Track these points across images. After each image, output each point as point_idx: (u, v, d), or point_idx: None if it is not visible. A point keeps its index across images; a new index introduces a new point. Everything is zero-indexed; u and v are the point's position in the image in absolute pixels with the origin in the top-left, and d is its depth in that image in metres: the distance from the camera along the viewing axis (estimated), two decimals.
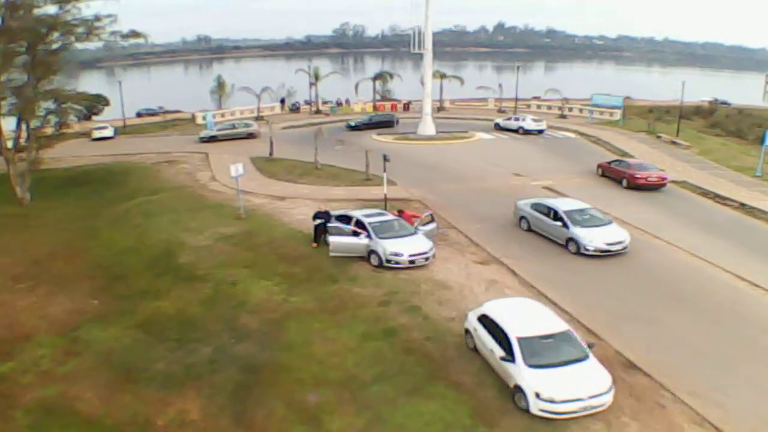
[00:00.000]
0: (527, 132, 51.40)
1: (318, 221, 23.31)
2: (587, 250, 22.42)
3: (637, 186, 33.08)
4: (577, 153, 43.24)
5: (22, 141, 33.79)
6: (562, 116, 62.36)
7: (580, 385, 13.03)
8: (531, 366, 13.28)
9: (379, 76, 74.60)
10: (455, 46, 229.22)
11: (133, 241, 25.36)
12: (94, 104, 70.84)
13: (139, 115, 72.73)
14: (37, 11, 32.28)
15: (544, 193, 31.67)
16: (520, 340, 13.67)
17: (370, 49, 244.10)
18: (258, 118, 60.73)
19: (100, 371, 15.78)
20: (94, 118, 68.69)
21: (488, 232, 25.25)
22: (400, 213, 24.21)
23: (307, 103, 68.92)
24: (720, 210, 30.23)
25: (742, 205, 30.41)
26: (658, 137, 50.77)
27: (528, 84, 70.51)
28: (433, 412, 13.44)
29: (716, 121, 69.36)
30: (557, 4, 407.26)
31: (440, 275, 20.67)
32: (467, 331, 15.79)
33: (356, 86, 71.51)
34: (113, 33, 34.18)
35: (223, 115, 62.51)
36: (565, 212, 23.67)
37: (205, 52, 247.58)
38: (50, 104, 33.48)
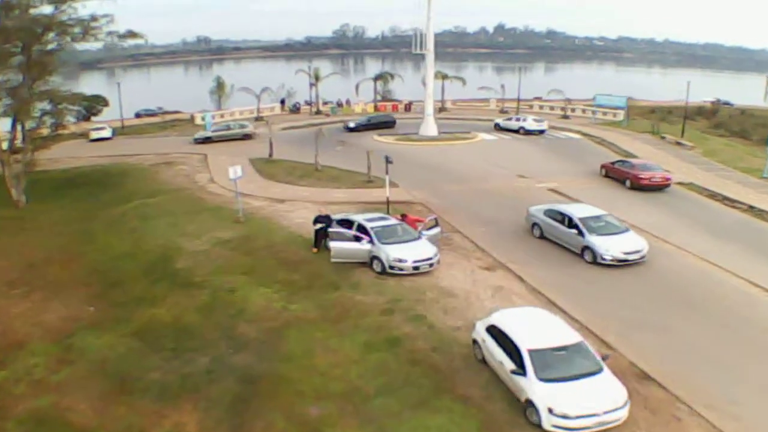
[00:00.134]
0: (528, 132, 50.94)
1: (319, 226, 22.65)
2: (604, 259, 21.46)
3: (640, 186, 32.67)
4: (581, 154, 42.67)
5: (17, 142, 33.27)
6: (565, 117, 61.85)
7: (594, 399, 12.44)
8: (543, 380, 12.68)
9: (380, 77, 74.10)
10: (455, 47, 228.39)
11: (130, 246, 24.78)
12: (93, 105, 70.51)
13: (137, 115, 72.16)
14: (32, 11, 31.66)
15: (550, 195, 31.10)
16: (531, 352, 13.05)
17: (371, 50, 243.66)
18: (258, 119, 60.20)
19: (94, 381, 15.31)
20: (93, 118, 68.26)
21: (493, 237, 24.64)
22: (404, 217, 23.60)
23: (308, 103, 68.34)
24: (728, 213, 29.69)
25: (751, 207, 29.89)
26: (663, 138, 50.24)
27: (529, 85, 69.95)
28: (440, 427, 12.88)
29: (720, 121, 68.83)
30: (557, 5, 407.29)
31: (445, 282, 20.05)
32: (475, 342, 15.17)
33: (357, 87, 70.97)
34: (110, 33, 33.59)
35: (222, 116, 61.92)
36: (581, 219, 22.68)
37: (205, 53, 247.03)
38: (46, 105, 32.91)
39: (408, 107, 67.52)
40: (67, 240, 26.41)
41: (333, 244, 21.36)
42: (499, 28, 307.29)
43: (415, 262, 20.35)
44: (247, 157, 40.11)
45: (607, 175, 35.48)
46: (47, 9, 31.53)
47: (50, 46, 32.50)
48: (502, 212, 27.78)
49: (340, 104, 69.27)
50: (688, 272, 21.49)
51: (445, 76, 66.58)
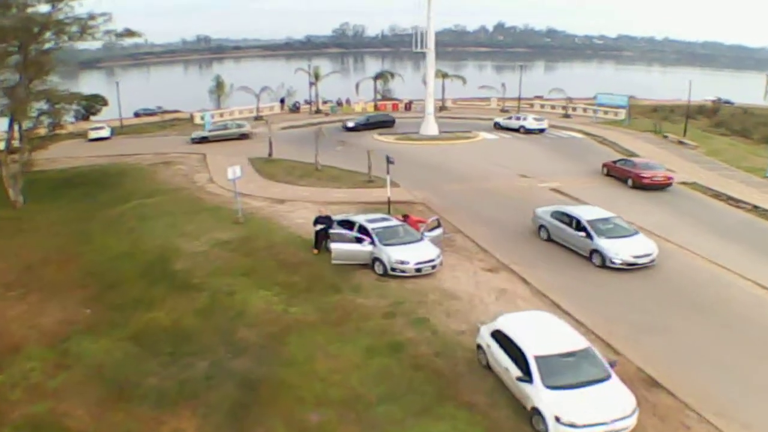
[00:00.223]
0: (528, 131, 50.66)
1: (319, 227, 22.30)
2: (613, 263, 20.92)
3: (642, 185, 32.45)
4: (583, 153, 42.34)
5: (14, 142, 32.95)
6: (566, 116, 61.50)
7: (602, 407, 12.09)
8: (550, 387, 12.33)
9: (380, 76, 73.68)
10: (455, 45, 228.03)
11: (128, 247, 24.48)
12: (92, 104, 70.27)
13: (137, 115, 71.90)
14: (29, 10, 31.33)
15: (553, 195, 30.81)
16: (537, 358, 12.71)
17: (370, 49, 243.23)
18: (257, 118, 59.85)
19: (91, 386, 15.02)
20: (92, 118, 68.01)
21: (496, 237, 24.28)
22: (405, 218, 23.26)
23: (307, 102, 67.97)
24: (733, 213, 29.37)
25: (755, 207, 29.58)
26: (665, 137, 49.94)
27: (529, 83, 69.54)
28: None
29: (721, 120, 68.58)
30: (557, 4, 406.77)
31: (448, 284, 19.69)
32: (479, 347, 14.82)
33: (357, 86, 70.60)
34: (108, 32, 33.33)
35: (221, 115, 61.57)
36: (589, 222, 22.10)
37: (205, 52, 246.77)
38: (43, 105, 32.61)
39: (408, 106, 67.15)
40: (65, 241, 26.15)
41: (334, 246, 20.99)
42: (499, 27, 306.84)
43: (417, 264, 19.99)
44: (247, 157, 39.78)
45: (608, 174, 35.27)
46: (44, 7, 31.30)
47: (47, 45, 32.20)
48: (504, 212, 27.44)
49: (340, 103, 68.91)
50: (696, 274, 21.14)
51: (445, 75, 66.19)
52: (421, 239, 21.20)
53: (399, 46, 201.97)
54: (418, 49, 48.46)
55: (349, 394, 14.04)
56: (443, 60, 52.09)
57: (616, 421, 11.97)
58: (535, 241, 24.12)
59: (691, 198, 31.59)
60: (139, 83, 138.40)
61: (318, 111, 65.24)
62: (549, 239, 23.79)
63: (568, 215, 23.14)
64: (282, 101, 67.13)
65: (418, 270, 20.01)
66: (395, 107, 67.32)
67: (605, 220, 22.58)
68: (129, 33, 35.10)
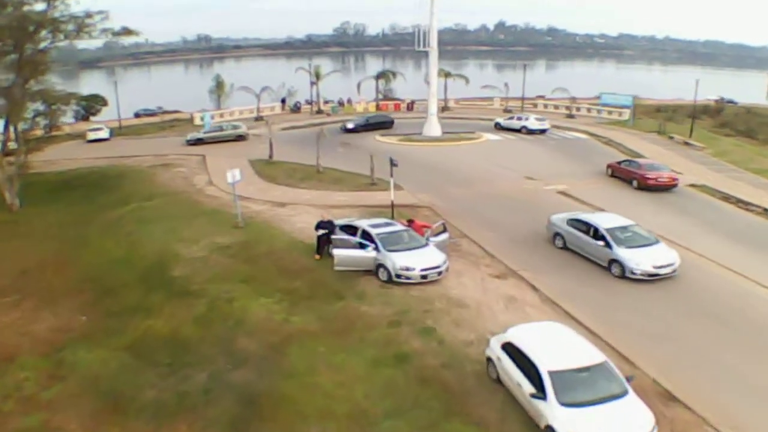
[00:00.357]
0: (530, 131, 50.17)
1: (321, 232, 21.67)
2: (634, 273, 19.96)
3: (647, 187, 32.06)
4: (588, 154, 41.74)
5: (10, 144, 32.41)
6: (570, 116, 60.86)
7: (620, 425, 11.53)
8: (564, 404, 11.72)
9: (381, 75, 73.04)
10: (456, 44, 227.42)
11: (125, 251, 23.93)
12: (92, 104, 69.82)
13: (137, 115, 71.41)
14: (25, 8, 30.76)
15: (559, 198, 30.27)
16: (552, 374, 12.09)
17: (371, 48, 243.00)
18: (258, 119, 59.25)
19: (86, 398, 14.54)
20: (91, 118, 67.51)
21: (503, 242, 23.65)
22: (410, 223, 22.58)
23: (308, 102, 67.36)
24: (743, 216, 28.82)
25: (766, 210, 28.98)
26: (671, 138, 49.33)
27: (530, 83, 68.70)
28: None
29: (725, 120, 67.94)
30: (558, 3, 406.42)
31: (455, 291, 19.06)
32: (489, 360, 14.19)
33: (358, 85, 69.95)
34: (105, 30, 32.78)
35: (221, 116, 61.02)
36: (608, 230, 21.16)
37: (206, 51, 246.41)
38: (39, 106, 32.06)
39: (410, 106, 66.53)
40: (61, 245, 25.67)
41: (336, 252, 20.37)
42: (500, 26, 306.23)
43: (422, 270, 19.36)
44: (247, 159, 39.19)
45: (613, 175, 34.94)
46: (40, 6, 30.72)
47: (43, 44, 31.62)
48: (511, 216, 26.87)
49: (341, 103, 68.26)
50: (712, 281, 20.42)
51: (448, 74, 65.42)
52: (427, 245, 20.56)
53: (400, 45, 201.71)
54: (421, 48, 47.87)
55: (353, 409, 13.46)
56: (444, 59, 51.53)
57: None
58: (545, 247, 23.42)
59: (701, 201, 31.02)
60: (140, 83, 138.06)
61: (319, 111, 64.62)
62: (564, 247, 22.88)
63: (585, 223, 22.20)
64: (283, 101, 66.51)
65: (424, 277, 19.38)
66: (397, 107, 66.75)
67: (624, 228, 21.63)
68: (127, 32, 34.61)
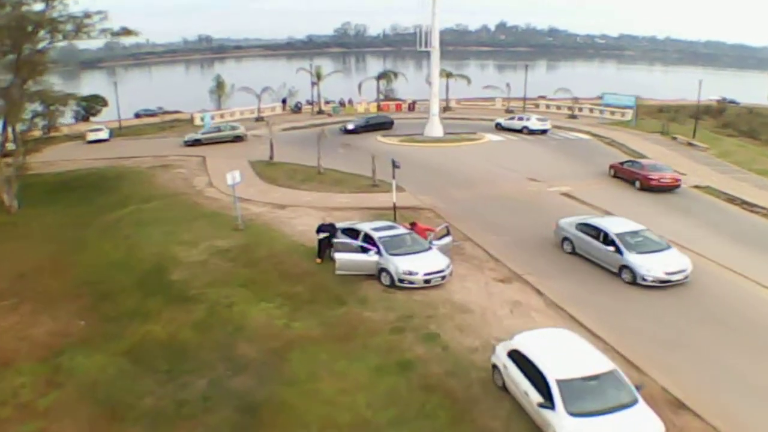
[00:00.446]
0: (532, 132, 49.90)
1: (322, 235, 21.30)
2: (645, 280, 19.38)
3: (650, 187, 31.87)
4: (591, 155, 41.38)
5: (8, 145, 32.12)
6: (572, 116, 60.52)
7: None
8: (573, 414, 11.39)
9: (383, 76, 72.67)
10: (457, 45, 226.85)
11: (123, 255, 23.65)
12: (92, 105, 69.56)
13: (137, 115, 71.09)
14: (23, 8, 30.45)
15: (563, 200, 29.98)
16: (560, 383, 11.76)
17: (372, 49, 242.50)
18: (258, 119, 58.91)
19: (84, 405, 14.31)
20: (92, 119, 67.24)
21: (507, 245, 23.26)
22: (413, 226, 22.20)
23: (309, 103, 67.03)
24: (748, 217, 28.53)
25: None
26: (674, 138, 49.01)
27: (532, 83, 68.32)
28: None
29: (727, 121, 67.70)
30: (559, 4, 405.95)
31: (459, 296, 18.70)
32: (495, 367, 13.86)
33: (359, 86, 69.59)
34: (104, 30, 32.46)
35: (222, 116, 60.70)
36: (618, 235, 20.57)
37: (207, 51, 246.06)
38: (37, 107, 31.75)
39: (411, 107, 66.16)
40: (60, 247, 25.41)
41: (338, 256, 19.98)
42: (501, 26, 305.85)
43: (426, 274, 18.99)
44: (247, 159, 38.83)
45: (615, 176, 34.75)
46: (38, 5, 30.41)
47: (41, 45, 31.32)
48: (514, 219, 26.53)
49: (342, 104, 67.90)
50: (721, 285, 19.99)
51: (449, 75, 65.02)
52: (430, 248, 20.20)
53: (401, 45, 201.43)
54: (423, 48, 47.51)
55: (356, 418, 13.16)
56: (445, 59, 51.27)
57: None
58: (550, 251, 23.02)
59: (706, 202, 30.70)
60: (141, 83, 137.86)
61: (320, 111, 64.28)
62: (573, 252, 22.31)
63: (595, 228, 21.58)
64: (284, 102, 66.16)
65: (427, 281, 19.02)
66: (398, 107, 66.42)
67: (635, 233, 21.04)
68: (126, 32, 34.31)
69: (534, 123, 50.69)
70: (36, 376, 15.51)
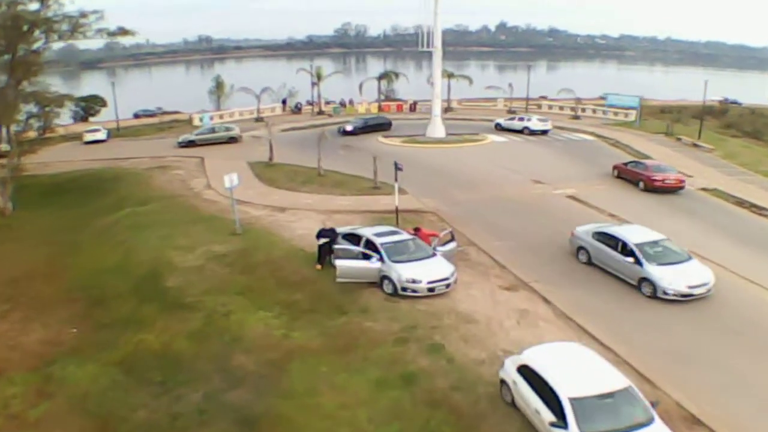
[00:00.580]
0: (533, 132, 49.37)
1: (323, 240, 20.62)
2: (666, 294, 18.25)
3: (654, 188, 31.44)
4: (595, 156, 40.73)
5: (3, 146, 31.63)
6: (575, 117, 59.91)
7: None
8: None
9: (383, 76, 72.07)
10: (457, 45, 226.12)
11: (118, 259, 23.10)
12: (91, 105, 69.16)
13: (136, 116, 70.67)
14: (18, 8, 29.92)
15: (569, 203, 29.35)
16: (573, 401, 11.13)
17: (372, 49, 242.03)
18: (258, 120, 58.34)
19: (75, 418, 13.89)
20: (90, 119, 66.80)
21: (513, 251, 22.57)
22: (417, 231, 21.47)
23: (309, 103, 66.43)
24: (757, 221, 27.85)
25: None
26: (678, 139, 48.42)
27: (532, 83, 67.66)
28: None
29: (730, 121, 67.10)
30: (559, 4, 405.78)
31: (464, 305, 18.01)
32: (503, 382, 13.22)
33: (360, 86, 68.94)
34: (100, 30, 31.93)
35: (221, 117, 60.19)
36: (637, 245, 19.39)
37: (207, 52, 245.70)
38: (32, 108, 31.19)
39: (413, 107, 65.51)
40: (53, 251, 24.99)
41: (339, 263, 19.29)
42: (501, 27, 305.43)
43: (430, 282, 18.32)
44: (246, 161, 38.18)
45: (619, 176, 34.35)
46: (33, 5, 29.88)
47: (37, 45, 30.80)
48: (519, 223, 25.91)
49: (343, 104, 67.29)
50: (738, 295, 19.12)
51: (451, 75, 64.34)
52: (434, 255, 19.52)
53: (401, 45, 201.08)
54: (424, 48, 46.89)
55: None
56: (445, 60, 50.52)
57: None
58: (553, 255, 22.37)
59: (714, 206, 30.05)
60: (141, 83, 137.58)
61: (321, 112, 63.68)
62: (589, 262, 21.18)
63: (612, 237, 20.43)
64: (284, 102, 65.52)
65: (431, 290, 18.34)
66: (399, 108, 65.83)
67: (655, 242, 19.90)
68: (123, 31, 33.85)
69: (535, 123, 50.17)
70: (27, 386, 15.12)
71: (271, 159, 38.35)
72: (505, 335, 16.18)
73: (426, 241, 20.48)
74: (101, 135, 51.50)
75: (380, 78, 71.03)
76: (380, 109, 64.64)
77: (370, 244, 19.69)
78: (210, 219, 26.96)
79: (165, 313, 18.14)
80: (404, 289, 18.36)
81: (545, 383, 11.75)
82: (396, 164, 24.90)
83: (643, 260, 19.02)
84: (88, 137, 50.71)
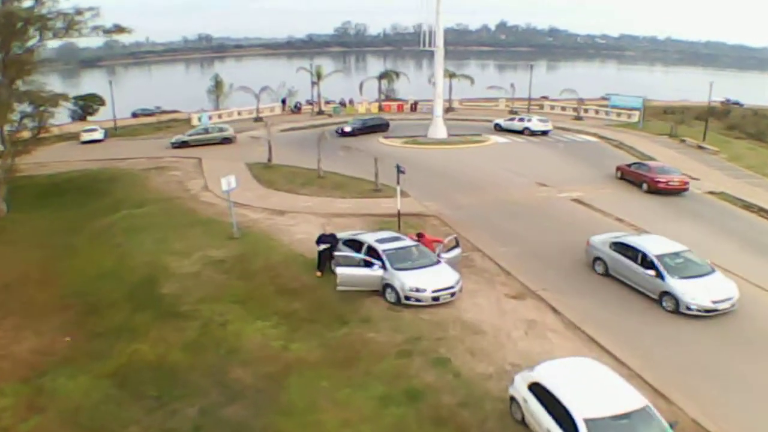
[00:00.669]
0: (533, 133, 48.83)
1: (323, 246, 19.96)
2: (690, 309, 17.29)
3: (657, 190, 30.99)
4: (600, 158, 40.07)
5: None
6: (578, 118, 59.29)
7: None
8: None
9: (384, 75, 71.42)
10: (457, 44, 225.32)
11: (113, 264, 22.46)
12: (90, 104, 68.60)
13: (134, 115, 70.04)
14: (10, 5, 29.28)
15: (575, 207, 28.77)
16: (588, 422, 10.50)
17: (372, 48, 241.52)
18: (257, 119, 57.70)
19: None
20: (89, 118, 66.22)
21: (518, 257, 21.91)
22: (420, 237, 20.76)
23: (309, 103, 65.77)
24: (766, 226, 27.18)
25: None
26: (682, 141, 47.83)
27: (533, 83, 67.15)
28: None
29: (733, 123, 66.58)
30: (559, 3, 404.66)
31: (469, 314, 17.37)
32: (513, 399, 12.60)
33: (361, 86, 68.29)
34: (96, 28, 31.24)
35: (220, 116, 59.64)
36: (658, 257, 18.38)
37: (207, 50, 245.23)
38: (26, 107, 30.54)
39: (414, 107, 64.86)
40: (48, 254, 24.34)
41: (340, 270, 18.63)
42: (501, 26, 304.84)
43: (434, 291, 17.66)
44: (245, 162, 37.54)
45: (622, 178, 33.94)
46: (27, 2, 29.22)
47: (31, 42, 30.11)
48: (524, 227, 25.27)
49: (343, 104, 66.62)
50: (756, 307, 18.24)
51: (453, 75, 63.68)
52: (438, 262, 18.86)
53: (401, 44, 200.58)
54: (426, 48, 46.26)
55: None
56: (446, 59, 49.87)
57: None
58: (560, 261, 21.68)
59: (722, 209, 29.47)
60: (140, 82, 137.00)
61: (320, 112, 63.01)
62: (606, 274, 20.22)
63: (631, 248, 19.41)
64: (283, 102, 64.88)
65: (436, 299, 17.70)
66: (400, 108, 65.22)
67: (676, 254, 18.90)
68: (119, 29, 33.16)
69: (535, 124, 49.64)
70: (18, 397, 14.60)
71: (269, 160, 37.66)
72: (513, 347, 15.56)
73: (430, 248, 19.79)
74: (98, 135, 50.93)
75: (381, 77, 70.43)
76: (381, 109, 64.04)
77: (371, 251, 19.02)
78: (207, 222, 26.33)
79: (160, 322, 17.53)
80: (408, 298, 17.71)
81: (558, 402, 11.13)
82: (398, 167, 24.27)
83: (665, 273, 18.01)
84: (85, 137, 50.16)
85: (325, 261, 19.98)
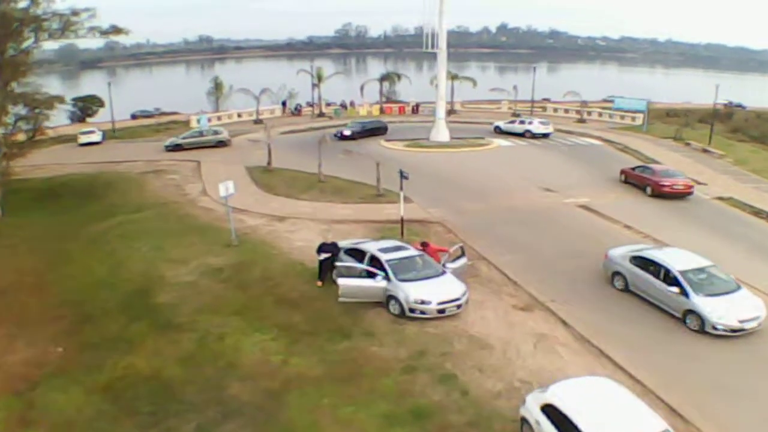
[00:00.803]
0: (534, 136, 48.28)
1: (324, 256, 19.34)
2: (716, 329, 16.34)
3: (662, 194, 30.61)
4: (605, 162, 39.45)
5: None
6: (581, 120, 58.69)
7: None
8: None
9: (385, 77, 70.89)
10: (458, 47, 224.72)
11: (109, 272, 21.93)
12: (89, 106, 68.13)
13: (133, 117, 69.50)
14: (6, 5, 28.72)
15: (582, 213, 28.17)
16: None
17: (373, 50, 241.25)
18: (257, 122, 57.12)
19: None
20: (88, 120, 65.72)
21: (525, 266, 21.28)
22: (425, 246, 20.06)
23: (310, 105, 65.17)
24: None
25: None
26: (687, 144, 47.27)
27: (534, 85, 66.64)
28: None
29: (737, 125, 65.79)
30: (559, 5, 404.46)
31: (476, 328, 16.74)
32: (524, 420, 11.98)
33: (362, 88, 67.67)
34: (92, 29, 30.71)
35: (219, 118, 59.09)
36: (682, 273, 17.40)
37: (207, 52, 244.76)
38: (20, 109, 30.00)
39: (415, 109, 64.28)
40: (42, 260, 23.80)
41: (342, 282, 17.99)
42: (502, 28, 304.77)
43: (440, 303, 17.02)
44: (244, 165, 36.91)
45: (626, 181, 33.52)
46: (22, 3, 28.66)
47: (26, 44, 29.57)
48: (530, 234, 24.69)
49: (344, 106, 66.02)
50: None
51: (455, 77, 63.15)
52: (443, 273, 18.21)
53: (402, 46, 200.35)
54: (429, 49, 45.69)
55: None
56: (448, 61, 49.30)
57: None
58: (567, 271, 21.04)
59: (731, 216, 28.88)
60: (140, 84, 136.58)
61: (321, 114, 62.42)
62: (626, 289, 19.20)
63: (653, 262, 18.40)
64: (284, 104, 64.30)
65: (441, 311, 17.06)
66: (402, 110, 64.69)
67: (700, 270, 17.87)
68: (116, 30, 32.69)
69: (537, 126, 49.15)
70: (9, 410, 14.17)
71: (269, 163, 36.97)
72: (523, 363, 14.95)
73: (435, 257, 19.18)
74: (96, 137, 50.37)
75: (382, 79, 69.95)
76: (382, 111, 63.45)
77: (374, 261, 18.36)
78: (205, 228, 25.72)
79: (155, 334, 16.98)
80: (412, 310, 17.06)
81: (574, 426, 10.50)
82: (402, 173, 23.65)
83: (690, 290, 17.05)
84: (83, 139, 49.60)
85: (326, 270, 19.39)
